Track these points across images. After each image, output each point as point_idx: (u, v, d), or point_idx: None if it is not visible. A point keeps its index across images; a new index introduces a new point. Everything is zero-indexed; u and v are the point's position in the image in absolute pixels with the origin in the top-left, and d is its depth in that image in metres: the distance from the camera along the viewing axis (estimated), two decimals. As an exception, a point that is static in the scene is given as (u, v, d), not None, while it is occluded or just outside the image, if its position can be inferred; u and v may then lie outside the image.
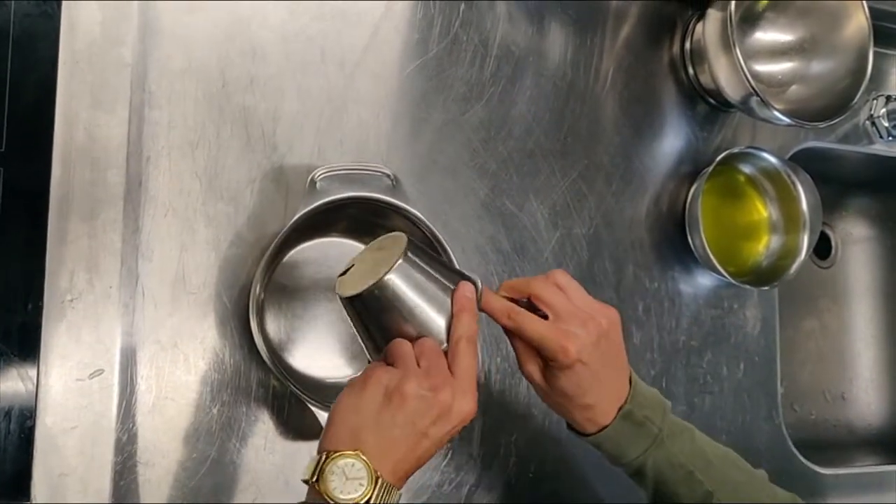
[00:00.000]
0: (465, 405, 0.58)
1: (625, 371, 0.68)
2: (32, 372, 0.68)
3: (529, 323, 0.64)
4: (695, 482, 0.67)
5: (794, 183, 0.99)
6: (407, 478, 0.58)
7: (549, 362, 0.64)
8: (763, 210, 1.02)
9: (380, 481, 0.54)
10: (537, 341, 0.63)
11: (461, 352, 0.59)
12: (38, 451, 0.67)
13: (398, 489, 0.56)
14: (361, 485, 0.54)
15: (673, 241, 0.96)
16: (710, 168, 0.93)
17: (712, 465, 0.68)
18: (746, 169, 1.01)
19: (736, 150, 0.95)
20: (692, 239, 0.95)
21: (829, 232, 1.25)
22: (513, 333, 0.65)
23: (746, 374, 0.99)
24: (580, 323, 0.64)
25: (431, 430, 0.57)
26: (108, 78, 0.72)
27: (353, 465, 0.54)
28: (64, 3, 0.71)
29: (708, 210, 0.95)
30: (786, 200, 1.00)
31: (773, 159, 0.98)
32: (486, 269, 0.86)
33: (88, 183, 0.71)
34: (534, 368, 0.66)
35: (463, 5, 0.87)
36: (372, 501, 0.54)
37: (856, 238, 1.26)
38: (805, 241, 0.98)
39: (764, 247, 1.02)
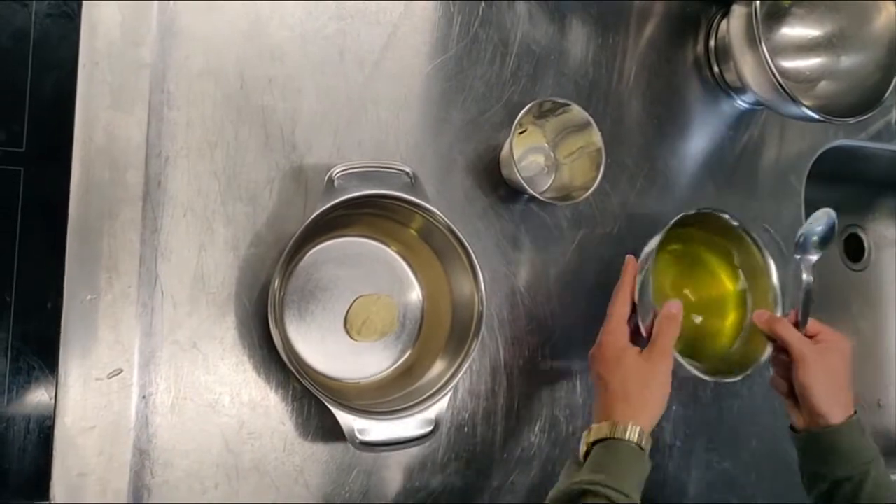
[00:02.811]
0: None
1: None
2: (52, 371, 0.68)
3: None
4: None
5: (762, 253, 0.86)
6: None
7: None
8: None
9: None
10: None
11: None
12: (57, 451, 0.67)
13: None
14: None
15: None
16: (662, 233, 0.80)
17: None
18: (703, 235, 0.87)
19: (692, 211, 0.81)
20: None
21: (861, 234, 1.22)
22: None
23: (777, 378, 0.97)
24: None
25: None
26: (128, 78, 0.72)
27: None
28: (84, 3, 0.71)
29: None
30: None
31: (734, 223, 0.85)
32: (507, 268, 0.85)
33: (108, 183, 0.71)
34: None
35: (483, 4, 0.86)
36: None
37: (889, 240, 1.23)
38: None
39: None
